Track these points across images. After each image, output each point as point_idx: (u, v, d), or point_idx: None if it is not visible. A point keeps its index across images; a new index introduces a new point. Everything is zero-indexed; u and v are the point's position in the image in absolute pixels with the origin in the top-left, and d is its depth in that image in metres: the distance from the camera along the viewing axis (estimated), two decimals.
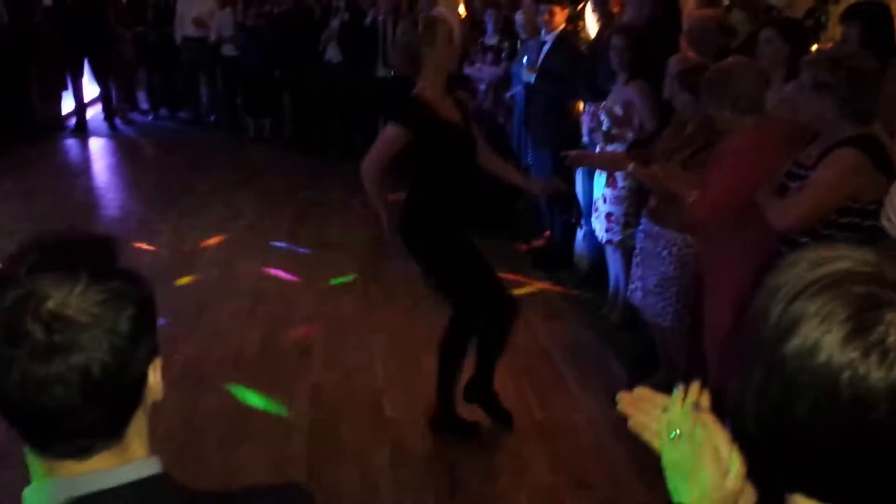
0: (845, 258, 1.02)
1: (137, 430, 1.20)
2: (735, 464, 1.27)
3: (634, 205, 5.24)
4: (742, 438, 1.10)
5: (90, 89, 12.11)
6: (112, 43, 11.51)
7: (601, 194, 5.54)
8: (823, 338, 0.96)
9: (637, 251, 4.74)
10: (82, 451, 1.15)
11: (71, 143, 11.39)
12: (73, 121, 11.87)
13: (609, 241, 5.55)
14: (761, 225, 3.50)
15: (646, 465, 4.01)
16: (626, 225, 5.37)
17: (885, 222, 2.22)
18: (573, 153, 5.13)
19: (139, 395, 1.18)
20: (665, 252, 4.47)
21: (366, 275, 6.54)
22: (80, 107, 11.76)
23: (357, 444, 4.35)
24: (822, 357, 0.96)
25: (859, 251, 1.04)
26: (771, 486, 1.09)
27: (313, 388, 4.90)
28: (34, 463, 1.17)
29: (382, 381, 4.94)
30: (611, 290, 5.81)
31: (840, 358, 0.95)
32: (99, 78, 11.83)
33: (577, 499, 3.97)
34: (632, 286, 4.77)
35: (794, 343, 0.98)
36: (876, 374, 0.93)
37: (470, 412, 4.47)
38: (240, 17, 11.12)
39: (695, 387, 1.34)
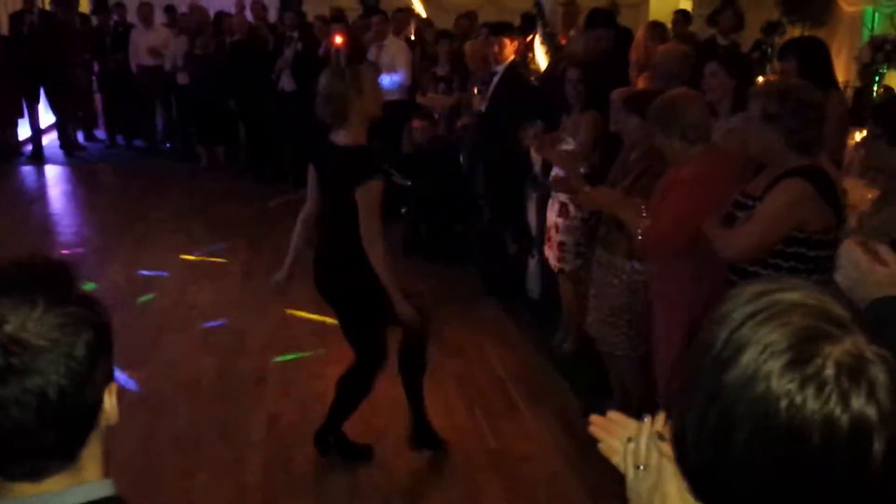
0: (791, 290, 1.03)
1: (92, 453, 1.21)
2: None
3: (586, 234, 5.23)
4: (684, 464, 1.09)
5: (46, 116, 11.96)
6: (68, 70, 11.38)
7: (553, 223, 5.54)
8: (763, 367, 0.97)
9: (592, 281, 4.76)
10: (36, 473, 1.15)
11: (27, 169, 11.23)
12: (28, 147, 11.72)
13: (561, 270, 5.56)
14: (708, 253, 3.50)
15: (599, 493, 4.07)
16: (577, 254, 5.37)
17: (837, 278, 2.26)
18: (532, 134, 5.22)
19: (94, 419, 1.19)
20: (615, 280, 4.47)
21: (321, 303, 6.48)
22: (36, 134, 11.61)
23: (313, 474, 4.31)
24: (760, 386, 0.96)
25: (805, 285, 1.05)
26: None
27: (270, 417, 4.84)
28: None
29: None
30: (563, 318, 5.79)
31: (778, 388, 0.95)
32: (55, 105, 11.69)
33: None
34: (588, 318, 4.77)
35: (735, 372, 0.99)
36: (812, 405, 0.94)
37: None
38: (189, 46, 11.06)
39: (660, 417, 1.34)
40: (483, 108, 6.84)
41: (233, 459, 4.43)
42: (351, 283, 4.07)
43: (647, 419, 1.37)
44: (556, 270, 5.65)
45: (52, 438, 1.13)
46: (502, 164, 6.65)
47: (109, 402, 1.21)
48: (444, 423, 4.73)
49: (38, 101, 11.46)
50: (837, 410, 0.95)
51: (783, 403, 0.95)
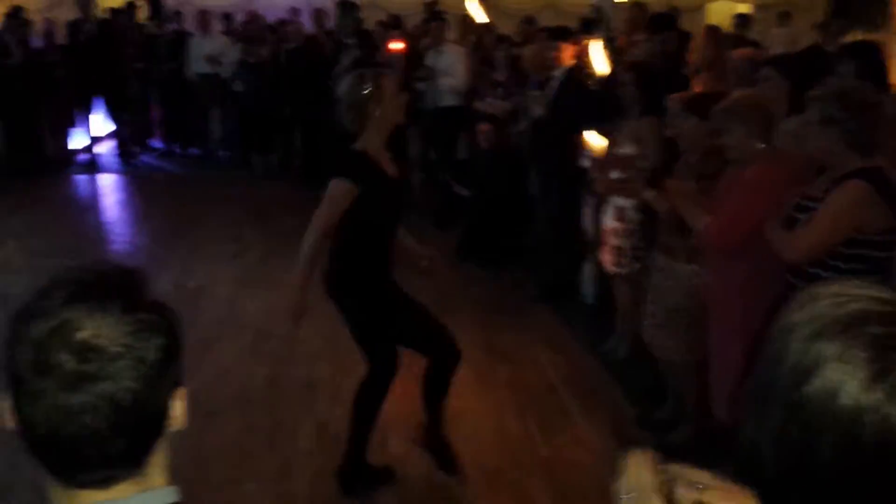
0: (862, 298, 1.02)
1: (157, 460, 1.22)
2: None
3: (643, 238, 5.22)
4: (756, 481, 1.06)
5: (101, 125, 12.19)
6: (124, 79, 11.59)
7: (609, 227, 5.51)
8: (846, 380, 0.97)
9: (650, 287, 4.73)
10: (105, 481, 1.16)
11: (81, 178, 11.45)
12: (83, 156, 11.96)
13: (617, 274, 5.52)
14: (765, 257, 3.52)
15: None
16: (634, 258, 5.34)
17: None
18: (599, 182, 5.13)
19: (163, 425, 1.21)
20: (673, 283, 4.46)
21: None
22: (91, 143, 11.85)
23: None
24: (844, 399, 0.96)
25: (874, 289, 1.04)
26: None
27: (318, 426, 4.86)
28: (54, 494, 1.18)
29: (387, 418, 4.86)
30: (618, 323, 5.76)
31: (864, 400, 0.95)
32: (111, 114, 11.90)
33: None
34: (644, 322, 4.76)
35: (815, 385, 0.99)
36: None
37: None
38: (243, 54, 11.20)
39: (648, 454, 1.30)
40: (540, 113, 6.80)
41: (281, 468, 4.45)
42: (348, 294, 4.09)
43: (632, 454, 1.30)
44: (611, 274, 5.61)
45: (122, 445, 1.14)
46: (558, 169, 6.63)
47: (178, 407, 1.23)
48: (495, 428, 4.74)
49: (93, 110, 11.69)
50: None
51: (870, 417, 0.95)
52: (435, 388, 4.27)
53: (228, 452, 4.59)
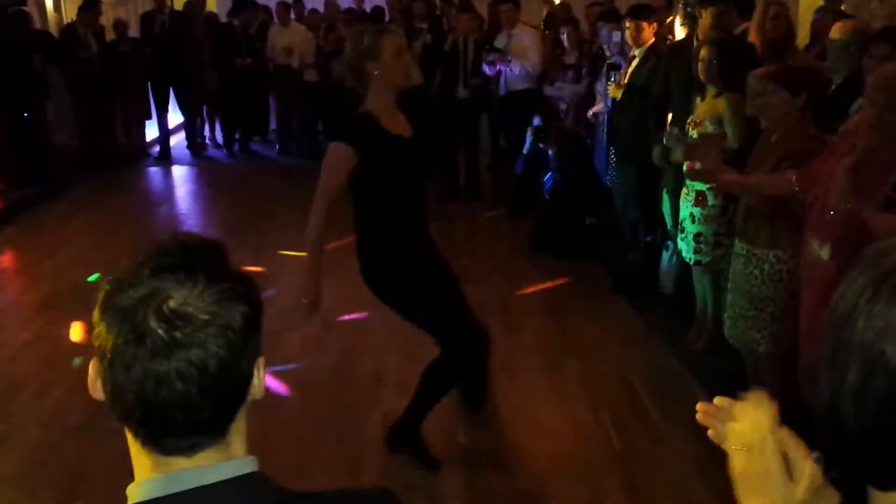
0: None
1: (238, 429, 1.27)
2: (805, 476, 1.27)
3: (725, 224, 5.13)
4: (839, 438, 1.08)
5: (174, 117, 12.42)
6: (198, 72, 11.75)
7: (689, 213, 5.41)
8: None
9: (730, 275, 4.63)
10: (191, 448, 1.21)
11: (154, 171, 11.70)
12: (156, 149, 12.21)
13: (697, 263, 5.41)
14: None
15: (730, 498, 3.92)
16: (715, 245, 5.24)
17: None
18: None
19: (245, 392, 1.25)
20: (756, 271, 4.34)
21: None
22: (165, 135, 12.09)
23: (429, 475, 4.30)
24: None
25: None
26: (873, 483, 1.07)
27: (385, 417, 4.85)
28: (139, 460, 1.23)
29: (456, 410, 4.89)
30: (697, 314, 5.66)
31: None
32: (184, 106, 12.12)
33: None
34: (725, 314, 4.65)
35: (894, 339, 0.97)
36: None
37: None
38: (321, 42, 11.28)
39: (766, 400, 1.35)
40: (618, 95, 6.73)
41: (349, 459, 4.48)
42: (382, 281, 4.01)
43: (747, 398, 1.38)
44: (691, 263, 5.50)
45: (209, 412, 1.19)
46: (636, 153, 6.51)
47: (258, 376, 1.27)
48: (567, 422, 4.70)
49: (167, 102, 11.91)
50: None
51: None
52: (438, 382, 4.22)
53: (296, 444, 4.62)
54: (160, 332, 1.14)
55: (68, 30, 11.16)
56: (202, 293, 1.17)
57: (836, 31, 5.07)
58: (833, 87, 4.83)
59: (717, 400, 1.43)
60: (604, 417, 4.81)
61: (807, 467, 1.27)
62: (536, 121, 7.53)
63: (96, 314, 1.19)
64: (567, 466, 4.32)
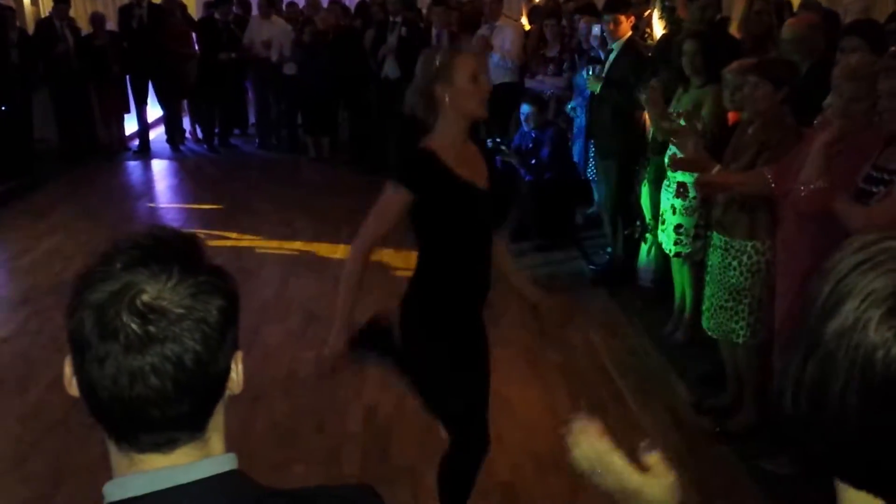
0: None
1: (216, 426, 1.25)
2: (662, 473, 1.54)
3: (705, 216, 5.20)
4: (781, 419, 1.10)
5: (153, 111, 12.40)
6: (177, 65, 11.73)
7: (670, 205, 5.49)
8: (862, 316, 0.96)
9: (709, 267, 4.71)
10: (168, 444, 1.19)
11: (133, 164, 11.70)
12: (135, 142, 12.21)
13: (678, 255, 5.49)
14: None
15: (706, 487, 4.02)
16: (696, 237, 5.32)
17: None
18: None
19: (223, 387, 1.23)
20: (734, 262, 4.44)
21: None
22: (144, 128, 12.08)
23: (409, 464, 4.37)
24: (858, 335, 0.96)
25: None
26: (810, 470, 1.10)
27: (367, 409, 4.94)
28: (116, 459, 1.21)
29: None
30: (676, 306, 5.74)
31: (875, 337, 0.95)
32: (163, 100, 12.10)
33: None
34: (704, 305, 4.74)
35: (836, 321, 0.99)
36: None
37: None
38: (300, 35, 11.30)
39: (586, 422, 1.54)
40: (597, 88, 6.75)
41: (330, 451, 4.54)
42: (414, 325, 3.36)
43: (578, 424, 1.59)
44: (671, 255, 5.59)
45: (185, 407, 1.17)
46: (615, 145, 6.60)
47: (235, 370, 1.25)
48: (546, 413, 4.77)
49: (146, 96, 11.89)
50: None
51: (880, 353, 0.95)
52: (447, 475, 3.61)
53: (277, 435, 4.69)
54: (133, 326, 1.12)
55: (44, 24, 11.14)
56: (176, 287, 1.15)
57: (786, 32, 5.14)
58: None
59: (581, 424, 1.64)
60: (584, 408, 4.86)
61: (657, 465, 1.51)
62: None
63: (69, 309, 1.17)
64: (547, 457, 4.36)
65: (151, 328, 1.12)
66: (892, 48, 4.69)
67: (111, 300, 1.13)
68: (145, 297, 1.13)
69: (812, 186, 3.68)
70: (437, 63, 3.23)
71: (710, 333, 4.70)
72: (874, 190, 3.37)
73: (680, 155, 5.11)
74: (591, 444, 1.58)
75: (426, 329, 3.33)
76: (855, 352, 0.96)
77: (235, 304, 1.23)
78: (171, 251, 1.19)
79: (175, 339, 1.13)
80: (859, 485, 1.03)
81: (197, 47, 12.06)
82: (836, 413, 0.98)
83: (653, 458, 1.59)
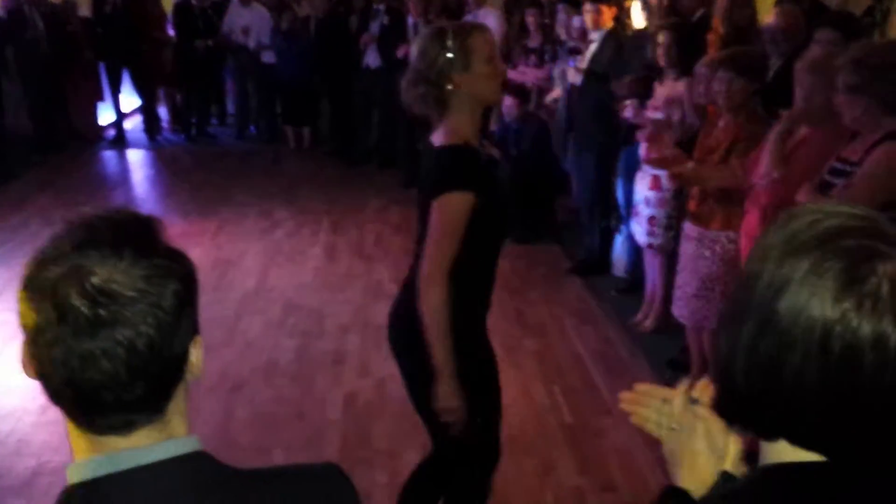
0: (839, 215, 1.08)
1: (177, 408, 1.26)
2: (730, 450, 1.45)
3: (678, 207, 5.38)
4: (728, 391, 1.16)
5: (129, 100, 12.35)
6: (154, 53, 11.73)
7: (643, 197, 5.67)
8: (817, 291, 1.02)
9: (679, 258, 4.89)
10: (125, 426, 1.20)
11: (109, 154, 11.70)
12: (111, 132, 12.17)
13: (650, 246, 5.69)
14: None
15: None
16: (668, 227, 5.51)
17: None
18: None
19: (181, 371, 1.24)
20: (707, 252, 4.62)
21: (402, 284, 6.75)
22: (119, 118, 12.02)
23: (388, 448, 4.53)
24: (814, 311, 1.02)
25: (854, 208, 1.10)
26: (757, 434, 1.17)
27: (347, 397, 5.10)
28: (77, 442, 1.23)
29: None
30: (647, 295, 5.94)
31: (833, 311, 1.01)
32: (138, 88, 12.04)
33: (602, 500, 4.18)
34: (673, 297, 4.94)
35: (788, 298, 1.04)
36: (867, 325, 1.00)
37: None
38: (280, 22, 11.29)
39: (701, 384, 1.51)
40: (578, 80, 6.86)
41: (310, 437, 4.69)
42: (410, 334, 2.91)
43: (682, 384, 1.54)
44: (644, 246, 5.78)
45: (140, 390, 1.17)
46: (595, 138, 6.71)
47: (195, 355, 1.25)
48: (521, 398, 4.98)
49: (120, 85, 11.80)
50: (889, 329, 1.00)
51: (838, 326, 1.01)
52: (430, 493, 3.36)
53: (257, 422, 4.84)
54: (83, 309, 1.11)
55: (13, 9, 11.06)
56: (128, 270, 1.14)
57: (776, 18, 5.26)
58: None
59: (638, 386, 1.60)
60: (556, 392, 5.11)
61: (731, 445, 1.44)
62: None
63: (20, 292, 1.17)
64: (520, 440, 4.54)
65: (101, 311, 1.12)
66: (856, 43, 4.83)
67: (60, 282, 1.12)
68: (95, 280, 1.12)
69: (768, 178, 3.89)
70: (449, 48, 2.83)
71: (680, 320, 4.90)
72: (835, 182, 3.48)
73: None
74: (681, 404, 1.52)
75: (460, 343, 2.89)
76: (812, 327, 1.02)
77: (192, 287, 1.23)
78: (124, 233, 1.19)
79: (126, 322, 1.13)
80: (808, 446, 1.10)
81: (172, 34, 11.99)
82: (794, 383, 1.05)
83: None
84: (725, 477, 1.40)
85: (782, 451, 1.14)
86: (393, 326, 3.14)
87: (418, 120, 3.00)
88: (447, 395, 2.86)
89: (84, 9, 12.07)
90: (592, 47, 6.78)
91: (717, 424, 1.46)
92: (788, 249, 1.07)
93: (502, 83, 3.20)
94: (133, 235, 1.19)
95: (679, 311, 4.88)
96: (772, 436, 1.15)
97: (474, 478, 3.23)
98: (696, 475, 1.46)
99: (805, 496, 1.12)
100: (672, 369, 5.11)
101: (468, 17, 9.29)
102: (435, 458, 3.29)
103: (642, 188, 5.69)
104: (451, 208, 2.78)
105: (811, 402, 1.05)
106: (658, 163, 5.27)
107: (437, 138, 2.89)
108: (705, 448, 1.46)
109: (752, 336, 1.08)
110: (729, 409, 1.19)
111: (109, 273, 1.13)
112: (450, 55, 2.81)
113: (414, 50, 2.94)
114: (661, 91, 5.60)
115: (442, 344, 2.82)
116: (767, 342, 1.07)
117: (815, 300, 1.02)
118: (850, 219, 1.07)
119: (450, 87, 2.82)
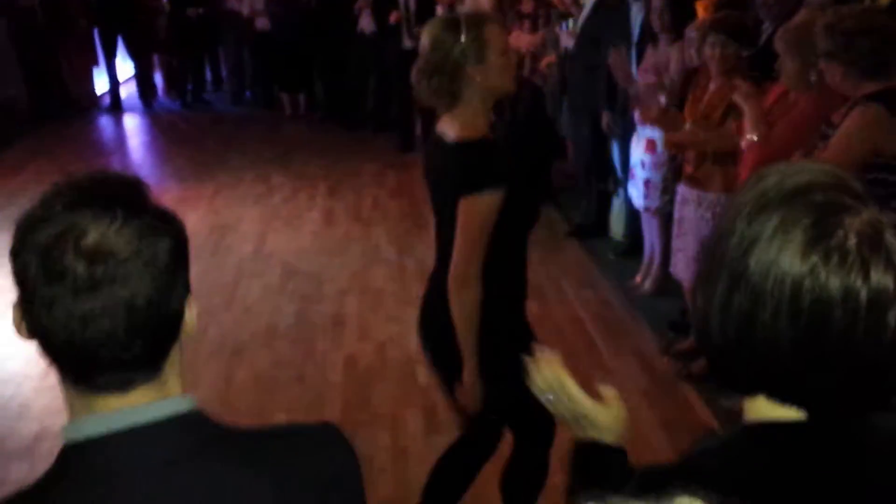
0: (808, 171, 1.11)
1: (173, 368, 1.26)
2: (614, 403, 1.65)
3: (673, 170, 5.39)
4: (706, 348, 1.18)
5: (124, 67, 12.35)
6: (148, 20, 11.74)
7: (639, 160, 5.67)
8: (785, 246, 1.05)
9: (676, 221, 4.93)
10: (123, 385, 1.20)
11: (105, 120, 11.73)
12: (107, 99, 12.19)
13: (647, 209, 5.71)
14: None
15: (673, 427, 4.31)
16: (664, 191, 5.51)
17: None
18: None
19: (177, 329, 1.24)
20: (708, 214, 4.64)
21: (400, 247, 6.83)
22: (114, 84, 12.03)
23: (390, 411, 4.57)
24: (784, 265, 1.05)
25: (822, 165, 1.14)
26: (737, 391, 1.19)
27: (347, 359, 5.14)
28: (71, 402, 1.22)
29: (415, 352, 5.13)
30: (645, 258, 5.97)
31: (802, 264, 1.03)
32: (133, 55, 12.06)
33: None
34: (673, 259, 4.97)
35: (758, 254, 1.07)
36: (834, 278, 1.03)
37: None
38: None
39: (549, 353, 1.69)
40: (570, 44, 6.85)
41: (311, 400, 4.73)
42: (444, 325, 2.89)
43: (539, 354, 1.72)
44: (641, 209, 5.82)
45: (138, 348, 1.18)
46: (588, 102, 6.69)
47: (189, 313, 1.26)
48: None
49: (115, 51, 11.83)
50: (858, 282, 1.02)
51: (808, 280, 1.03)
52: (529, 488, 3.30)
53: (258, 386, 4.88)
54: (80, 269, 1.11)
55: None
56: (121, 229, 1.14)
57: None
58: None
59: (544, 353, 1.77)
60: (556, 354, 5.12)
61: (611, 399, 1.63)
62: None
63: (11, 252, 1.16)
64: None
65: (98, 270, 1.12)
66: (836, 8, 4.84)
67: (55, 242, 1.12)
68: (90, 240, 1.12)
69: (748, 142, 3.96)
70: (464, 39, 2.76)
71: (681, 282, 4.96)
72: (820, 145, 3.51)
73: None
74: (551, 371, 1.71)
75: (498, 338, 2.89)
76: (783, 281, 1.04)
77: (184, 245, 1.24)
78: (113, 193, 1.19)
79: (124, 280, 1.13)
80: (785, 399, 1.13)
81: (166, 1, 12.01)
82: (767, 338, 1.07)
83: (607, 390, 1.69)
84: (707, 433, 1.46)
85: (761, 409, 1.17)
86: (422, 321, 3.15)
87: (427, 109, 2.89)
88: (469, 387, 2.89)
89: None
90: (585, 11, 6.74)
91: (576, 391, 1.66)
92: (758, 207, 1.10)
93: None
94: (123, 195, 1.19)
95: (680, 273, 4.92)
96: (750, 391, 1.18)
97: (536, 455, 3.21)
98: (608, 429, 1.65)
99: (781, 455, 1.15)
100: (674, 331, 5.17)
101: None
102: (464, 443, 3.29)
103: (638, 151, 5.70)
104: (481, 209, 2.74)
105: (785, 357, 1.08)
106: (655, 121, 5.28)
107: (452, 132, 2.84)
108: (589, 407, 1.65)
109: (725, 293, 1.11)
110: (711, 367, 1.22)
111: (102, 232, 1.13)
112: (464, 47, 2.76)
113: (424, 39, 2.86)
114: (653, 55, 5.62)
115: (469, 336, 2.83)
116: (740, 298, 1.09)
117: (784, 255, 1.05)
118: (817, 174, 1.10)
119: (464, 79, 2.77)
